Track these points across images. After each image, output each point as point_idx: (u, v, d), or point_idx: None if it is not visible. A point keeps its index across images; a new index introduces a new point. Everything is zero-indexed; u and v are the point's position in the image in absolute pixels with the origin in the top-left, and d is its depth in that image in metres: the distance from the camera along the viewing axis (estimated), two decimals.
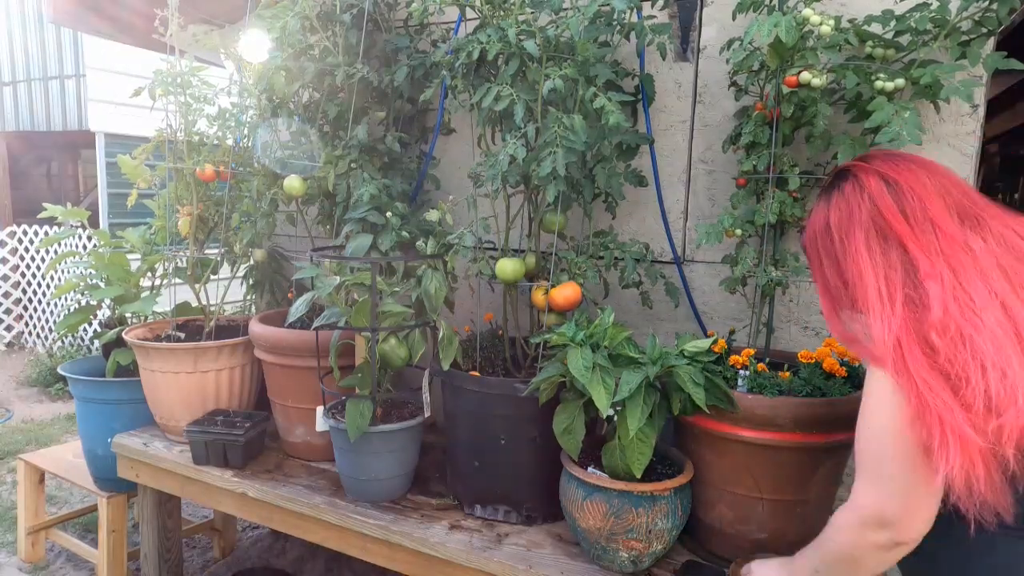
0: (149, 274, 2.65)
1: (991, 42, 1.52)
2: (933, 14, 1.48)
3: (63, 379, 2.59)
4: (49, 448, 3.19)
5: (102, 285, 2.62)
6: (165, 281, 2.63)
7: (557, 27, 1.65)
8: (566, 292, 1.69)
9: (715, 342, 1.61)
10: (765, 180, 1.64)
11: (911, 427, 0.98)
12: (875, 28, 1.59)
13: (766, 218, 1.60)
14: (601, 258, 1.77)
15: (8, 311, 6.77)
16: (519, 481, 1.76)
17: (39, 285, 6.67)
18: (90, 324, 5.33)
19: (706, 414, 1.46)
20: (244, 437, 2.04)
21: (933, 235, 1.02)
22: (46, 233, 6.47)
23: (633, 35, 1.72)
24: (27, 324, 6.85)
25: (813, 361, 1.59)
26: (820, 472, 1.53)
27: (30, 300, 6.76)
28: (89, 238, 5.88)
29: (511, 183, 1.71)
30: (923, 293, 0.99)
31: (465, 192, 1.83)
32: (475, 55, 1.64)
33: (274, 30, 2.00)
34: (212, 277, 2.55)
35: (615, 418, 1.49)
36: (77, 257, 2.80)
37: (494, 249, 1.90)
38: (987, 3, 1.46)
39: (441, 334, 1.77)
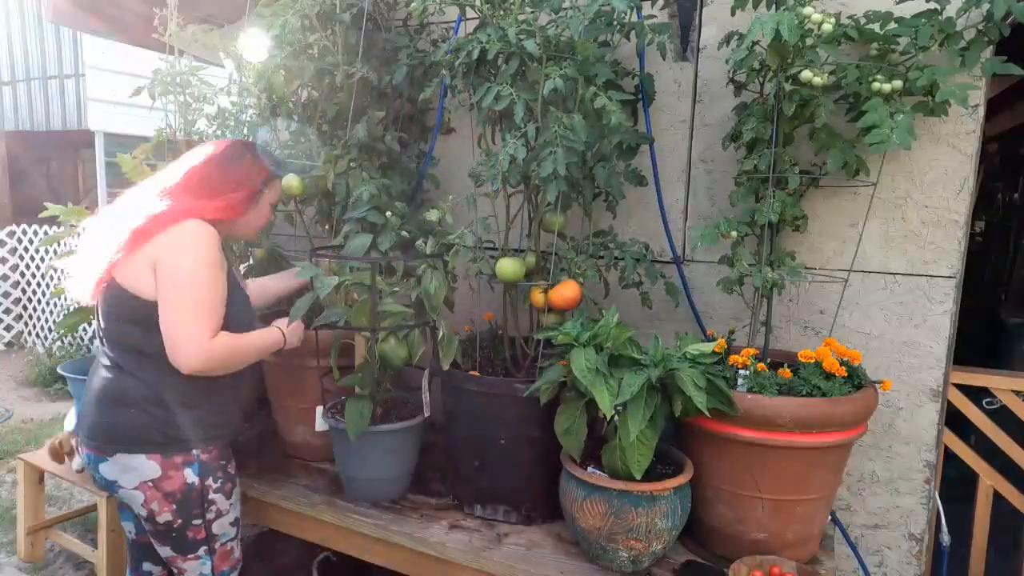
0: None
1: (990, 46, 1.52)
2: (939, 26, 1.47)
3: (63, 379, 2.59)
4: None
5: None
6: None
7: (557, 27, 1.64)
8: (565, 292, 1.69)
9: (716, 343, 1.61)
10: (763, 179, 1.64)
11: None
12: (874, 28, 1.59)
13: (767, 217, 1.59)
14: (601, 258, 1.77)
15: (8, 311, 6.77)
16: (519, 481, 1.76)
17: (39, 285, 6.67)
18: (90, 324, 5.32)
19: (707, 415, 1.46)
20: (243, 437, 2.04)
21: None
22: (46, 233, 6.47)
23: (633, 35, 1.72)
24: (27, 324, 6.84)
25: (813, 361, 1.59)
26: (820, 472, 1.53)
27: (30, 300, 6.75)
28: None
29: (511, 183, 1.70)
30: None
31: (465, 192, 1.82)
32: (475, 54, 1.64)
33: (273, 29, 1.99)
34: None
35: (616, 418, 1.48)
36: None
37: (494, 249, 1.90)
38: (987, 8, 1.45)
39: (441, 334, 1.76)
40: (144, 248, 1.51)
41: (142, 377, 1.55)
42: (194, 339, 1.49)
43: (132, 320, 1.54)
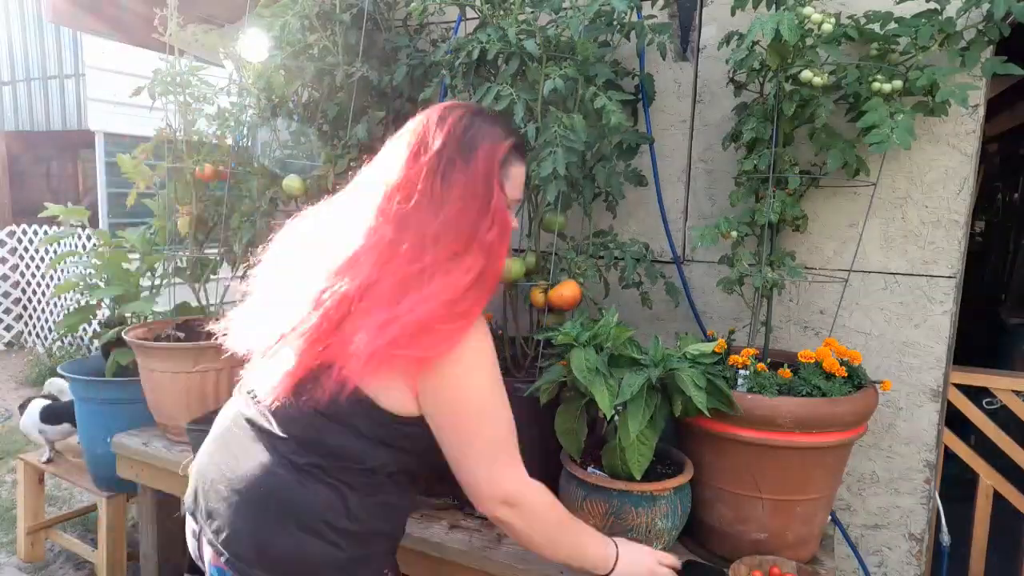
0: (149, 274, 2.65)
1: (990, 46, 1.52)
2: (939, 26, 1.47)
3: (63, 379, 2.59)
4: None
5: (102, 285, 2.62)
6: (165, 281, 2.62)
7: (557, 27, 1.65)
8: (565, 292, 1.69)
9: (716, 343, 1.61)
10: (763, 179, 1.64)
11: None
12: (874, 28, 1.59)
13: (767, 217, 1.60)
14: (601, 258, 1.77)
15: (8, 311, 6.77)
16: None
17: (39, 285, 6.67)
18: (90, 324, 5.31)
19: (707, 415, 1.46)
20: None
21: None
22: (45, 233, 6.47)
23: (633, 35, 1.72)
24: (27, 324, 6.84)
25: (813, 361, 1.59)
26: (820, 472, 1.53)
27: (30, 300, 6.76)
28: (89, 238, 5.88)
29: None
30: None
31: None
32: (475, 55, 1.64)
33: (273, 29, 1.99)
34: (212, 277, 2.55)
35: (616, 418, 1.48)
36: (77, 257, 2.79)
37: None
38: (987, 8, 1.45)
39: None
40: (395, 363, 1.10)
41: (348, 496, 1.15)
42: (509, 479, 1.17)
43: (361, 433, 1.15)
